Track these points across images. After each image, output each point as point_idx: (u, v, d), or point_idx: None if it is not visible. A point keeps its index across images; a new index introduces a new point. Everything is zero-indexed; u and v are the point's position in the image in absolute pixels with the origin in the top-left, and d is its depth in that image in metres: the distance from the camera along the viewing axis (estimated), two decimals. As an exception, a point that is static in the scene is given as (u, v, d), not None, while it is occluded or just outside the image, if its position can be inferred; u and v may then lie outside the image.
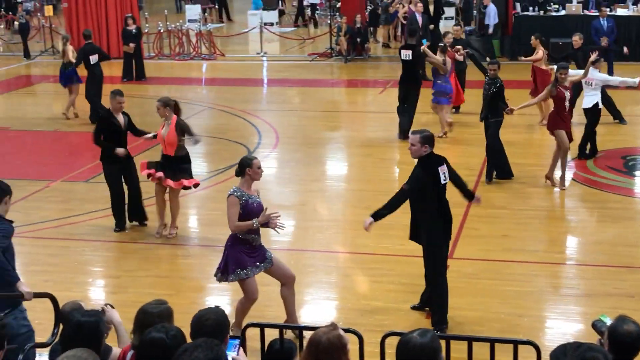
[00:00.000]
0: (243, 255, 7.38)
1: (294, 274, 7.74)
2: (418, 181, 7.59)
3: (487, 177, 12.23)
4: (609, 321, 4.84)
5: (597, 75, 13.20)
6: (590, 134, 13.26)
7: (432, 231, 7.71)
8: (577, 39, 15.53)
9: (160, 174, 10.17)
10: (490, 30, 22.64)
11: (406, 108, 14.88)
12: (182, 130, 10.16)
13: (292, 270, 7.80)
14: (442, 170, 7.66)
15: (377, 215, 7.66)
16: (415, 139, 7.62)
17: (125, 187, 10.70)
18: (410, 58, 14.74)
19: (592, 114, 13.15)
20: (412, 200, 7.70)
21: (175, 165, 10.23)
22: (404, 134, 14.38)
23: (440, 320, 7.76)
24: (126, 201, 10.76)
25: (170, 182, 10.18)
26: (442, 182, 7.65)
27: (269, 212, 7.37)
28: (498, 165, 12.28)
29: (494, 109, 12.08)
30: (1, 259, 6.22)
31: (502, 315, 8.11)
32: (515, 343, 5.67)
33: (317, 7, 32.00)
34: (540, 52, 15.43)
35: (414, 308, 8.22)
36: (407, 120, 14.77)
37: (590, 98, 13.15)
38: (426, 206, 7.67)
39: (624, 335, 4.41)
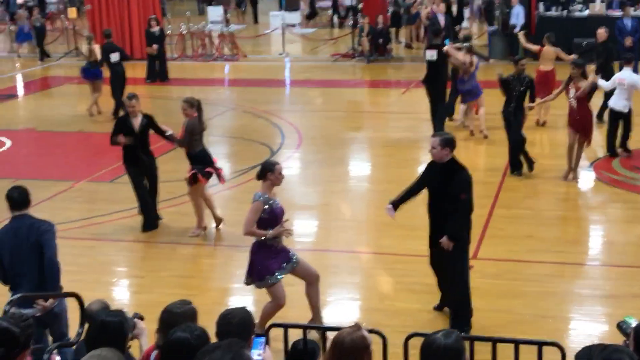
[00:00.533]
0: (269, 260, 7.42)
1: (318, 273, 7.75)
2: (470, 185, 7.58)
3: (517, 169, 12.40)
4: (634, 322, 4.80)
5: (630, 76, 12.94)
6: (624, 134, 13.19)
7: (466, 229, 7.69)
8: (602, 32, 15.43)
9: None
10: (517, 30, 22.49)
11: (440, 106, 14.68)
12: (187, 130, 10.28)
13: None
14: None
15: (457, 237, 7.61)
16: (435, 142, 7.61)
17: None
18: (435, 59, 14.62)
19: (624, 117, 13.06)
20: (449, 202, 7.59)
21: (192, 164, 10.38)
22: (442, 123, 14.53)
23: (465, 322, 7.72)
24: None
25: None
26: None
27: (284, 224, 7.47)
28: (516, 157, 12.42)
29: (522, 105, 12.18)
30: (56, 260, 6.60)
31: (526, 316, 8.06)
32: (540, 344, 5.64)
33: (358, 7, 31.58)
34: (533, 47, 15.54)
35: (436, 308, 8.20)
36: (445, 111, 14.71)
37: (624, 102, 12.90)
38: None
39: None
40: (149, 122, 10.61)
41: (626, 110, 12.99)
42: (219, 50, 25.51)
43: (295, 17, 31.33)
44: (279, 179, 7.47)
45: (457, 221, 7.55)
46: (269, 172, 7.43)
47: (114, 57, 17.08)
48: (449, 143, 7.58)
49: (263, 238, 7.40)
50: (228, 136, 15.81)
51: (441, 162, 7.60)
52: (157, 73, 21.59)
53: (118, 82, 17.20)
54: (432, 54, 14.62)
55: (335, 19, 32.61)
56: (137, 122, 10.48)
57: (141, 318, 5.33)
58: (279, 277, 7.45)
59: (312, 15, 33.34)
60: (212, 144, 15.34)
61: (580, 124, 11.80)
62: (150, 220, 10.78)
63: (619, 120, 13.10)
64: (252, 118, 17.30)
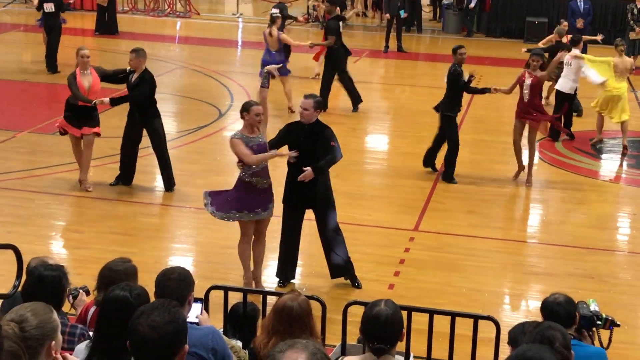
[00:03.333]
0: (244, 198, 7.63)
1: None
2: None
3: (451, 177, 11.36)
4: (593, 307, 4.95)
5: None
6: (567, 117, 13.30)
7: (331, 191, 8.06)
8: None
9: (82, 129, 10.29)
10: (472, 5, 22.66)
11: (347, 78, 14.79)
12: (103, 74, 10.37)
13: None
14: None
15: (321, 172, 7.83)
16: (309, 104, 7.73)
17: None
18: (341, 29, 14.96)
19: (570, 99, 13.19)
20: (318, 157, 7.78)
21: (90, 113, 10.30)
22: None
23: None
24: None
25: (87, 129, 10.31)
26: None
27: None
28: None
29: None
30: None
31: (464, 290, 8.19)
32: (476, 318, 5.74)
33: None
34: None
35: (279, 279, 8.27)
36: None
37: (571, 84, 13.05)
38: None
39: (550, 303, 4.74)
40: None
41: (572, 92, 13.18)
42: (171, 6, 25.12)
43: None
44: (253, 119, 7.57)
45: (331, 160, 7.77)
46: (245, 111, 7.61)
47: (48, 7, 16.37)
48: (321, 105, 7.91)
49: (247, 179, 7.67)
50: (177, 94, 15.63)
51: (309, 122, 7.75)
52: (107, 25, 21.15)
53: (51, 33, 16.62)
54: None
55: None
56: (134, 77, 10.23)
57: (87, 292, 5.32)
58: (244, 217, 7.68)
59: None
60: (160, 101, 15.17)
61: (531, 113, 11.15)
62: (122, 175, 10.67)
63: (565, 103, 13.18)
64: (202, 77, 17.11)
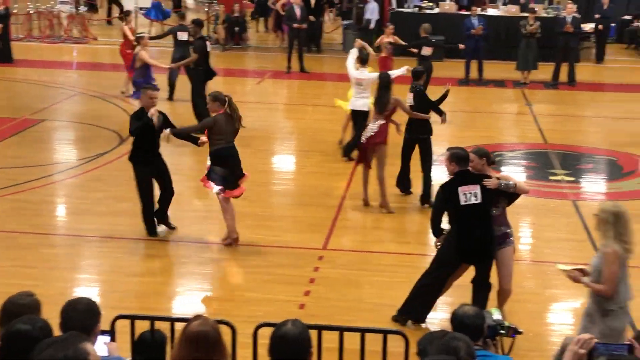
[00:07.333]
0: None
1: None
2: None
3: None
4: (496, 316, 5.05)
5: (367, 75, 12.73)
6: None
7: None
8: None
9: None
10: (372, 25, 23.09)
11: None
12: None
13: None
14: (464, 190, 7.49)
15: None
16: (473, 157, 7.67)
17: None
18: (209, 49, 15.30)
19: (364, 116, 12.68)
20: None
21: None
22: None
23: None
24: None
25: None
26: (462, 202, 7.53)
27: None
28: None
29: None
30: None
31: (374, 305, 8.25)
32: (385, 333, 5.80)
33: None
34: None
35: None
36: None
37: (363, 100, 12.75)
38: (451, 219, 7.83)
39: (460, 315, 4.71)
40: (165, 118, 9.70)
41: (365, 109, 12.73)
42: (67, 32, 24.65)
43: (147, 1, 30.61)
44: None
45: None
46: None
47: None
48: (454, 158, 7.63)
49: None
50: (76, 121, 15.29)
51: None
52: (1, 53, 20.55)
53: None
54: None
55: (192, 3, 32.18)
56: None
57: None
58: None
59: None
60: (59, 129, 14.88)
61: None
62: (154, 226, 9.84)
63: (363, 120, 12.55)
64: (102, 103, 16.81)
